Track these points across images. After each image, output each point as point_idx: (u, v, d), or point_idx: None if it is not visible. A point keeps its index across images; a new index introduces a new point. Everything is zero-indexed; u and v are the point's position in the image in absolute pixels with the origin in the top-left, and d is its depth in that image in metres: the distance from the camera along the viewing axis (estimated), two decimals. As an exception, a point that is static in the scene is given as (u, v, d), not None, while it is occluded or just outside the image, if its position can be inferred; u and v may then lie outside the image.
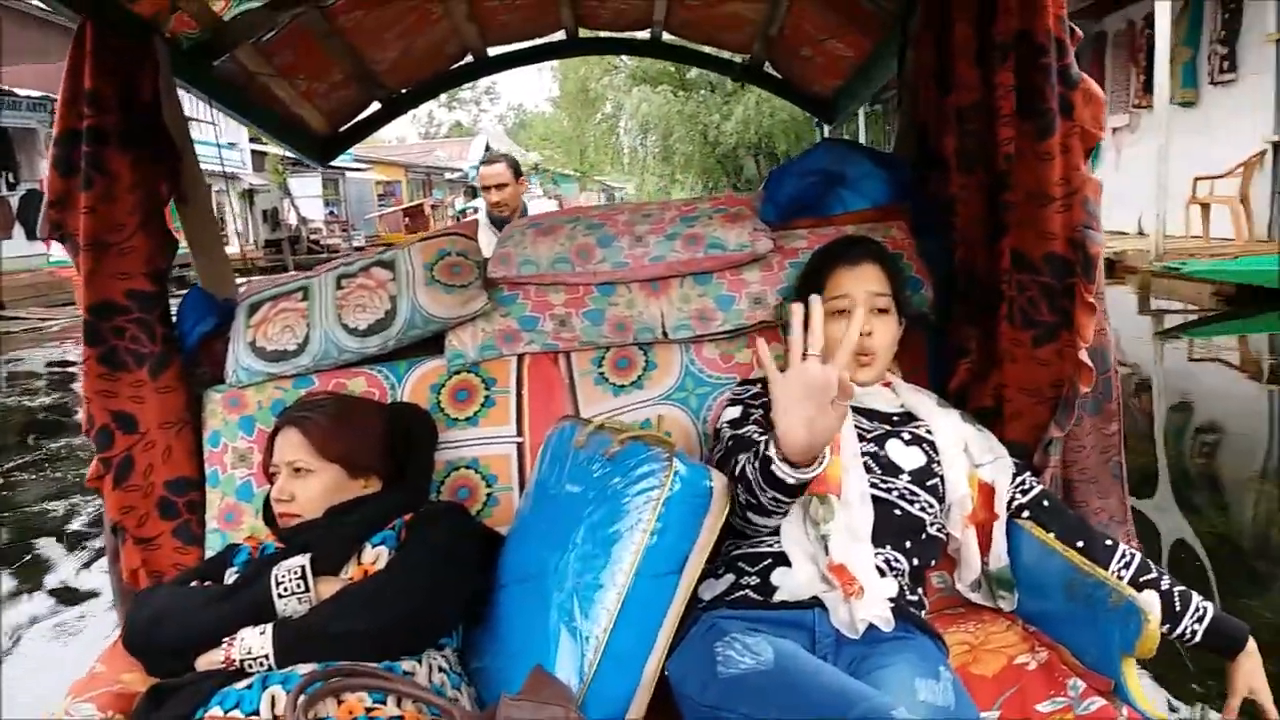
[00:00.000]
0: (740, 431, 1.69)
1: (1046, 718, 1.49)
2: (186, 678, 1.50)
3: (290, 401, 2.00)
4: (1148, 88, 11.64)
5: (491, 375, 2.13)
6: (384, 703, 1.39)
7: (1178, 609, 1.59)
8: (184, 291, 2.31)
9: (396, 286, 2.12)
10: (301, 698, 1.32)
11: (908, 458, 1.71)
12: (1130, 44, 13.31)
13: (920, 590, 1.67)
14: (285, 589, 1.56)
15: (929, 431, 1.77)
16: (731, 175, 28.83)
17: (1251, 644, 1.58)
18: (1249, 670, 1.57)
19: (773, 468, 1.39)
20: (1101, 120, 1.76)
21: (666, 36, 3.89)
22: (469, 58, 3.66)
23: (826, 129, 4.42)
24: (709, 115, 26.66)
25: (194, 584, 1.68)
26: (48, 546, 4.56)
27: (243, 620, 1.53)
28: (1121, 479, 2.00)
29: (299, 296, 2.17)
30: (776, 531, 1.61)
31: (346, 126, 3.66)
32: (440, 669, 1.57)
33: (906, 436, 1.75)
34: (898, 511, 1.66)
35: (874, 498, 1.64)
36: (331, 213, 31.83)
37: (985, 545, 1.78)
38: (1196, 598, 1.61)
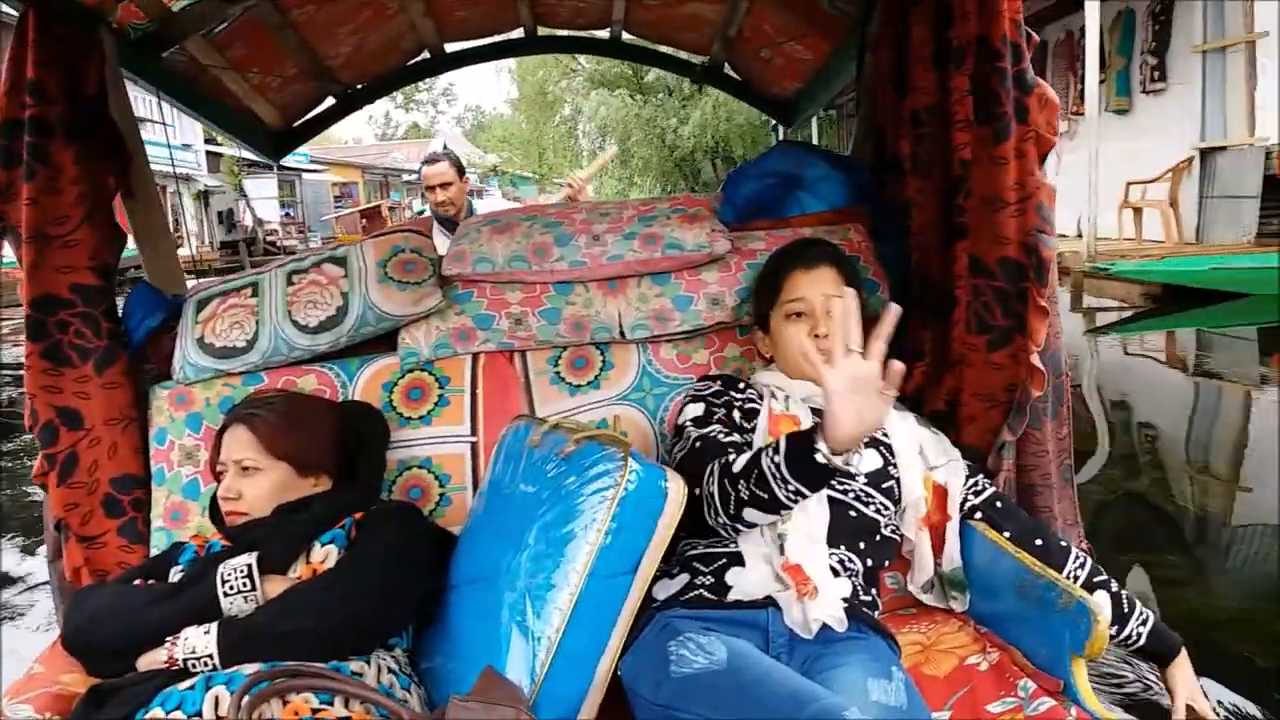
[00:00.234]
0: (706, 431, 1.70)
1: (997, 718, 1.50)
2: (128, 678, 1.47)
3: (239, 399, 1.97)
4: (1084, 96, 12.00)
5: (445, 374, 2.12)
6: (331, 704, 1.37)
7: (1125, 611, 1.63)
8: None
9: (349, 283, 2.10)
10: (246, 698, 1.30)
11: (864, 460, 1.72)
12: (1069, 53, 13.63)
13: (874, 591, 1.69)
14: (231, 587, 1.53)
15: (885, 434, 1.79)
16: (689, 178, 28.89)
17: (1184, 652, 1.64)
18: (1188, 675, 1.63)
19: (816, 455, 1.39)
20: (1056, 125, 1.78)
21: (626, 36, 3.89)
22: (425, 54, 3.64)
23: (782, 132, 4.44)
24: (666, 119, 26.71)
25: (137, 582, 1.66)
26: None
27: (187, 619, 1.50)
28: (1072, 482, 2.03)
29: (249, 293, 2.14)
30: (734, 532, 1.61)
31: (300, 121, 3.63)
32: (389, 670, 1.55)
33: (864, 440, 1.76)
34: (853, 513, 1.67)
35: (830, 499, 1.65)
36: (287, 214, 31.54)
37: (938, 546, 1.80)
38: (1140, 604, 1.65)
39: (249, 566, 1.55)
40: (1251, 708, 2.45)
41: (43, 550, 2.18)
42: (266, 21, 2.77)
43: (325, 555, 1.63)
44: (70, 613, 1.63)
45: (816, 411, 1.76)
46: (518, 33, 3.76)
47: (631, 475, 1.47)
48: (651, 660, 1.45)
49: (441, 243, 2.38)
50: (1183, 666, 1.63)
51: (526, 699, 1.38)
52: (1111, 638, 1.53)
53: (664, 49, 4.17)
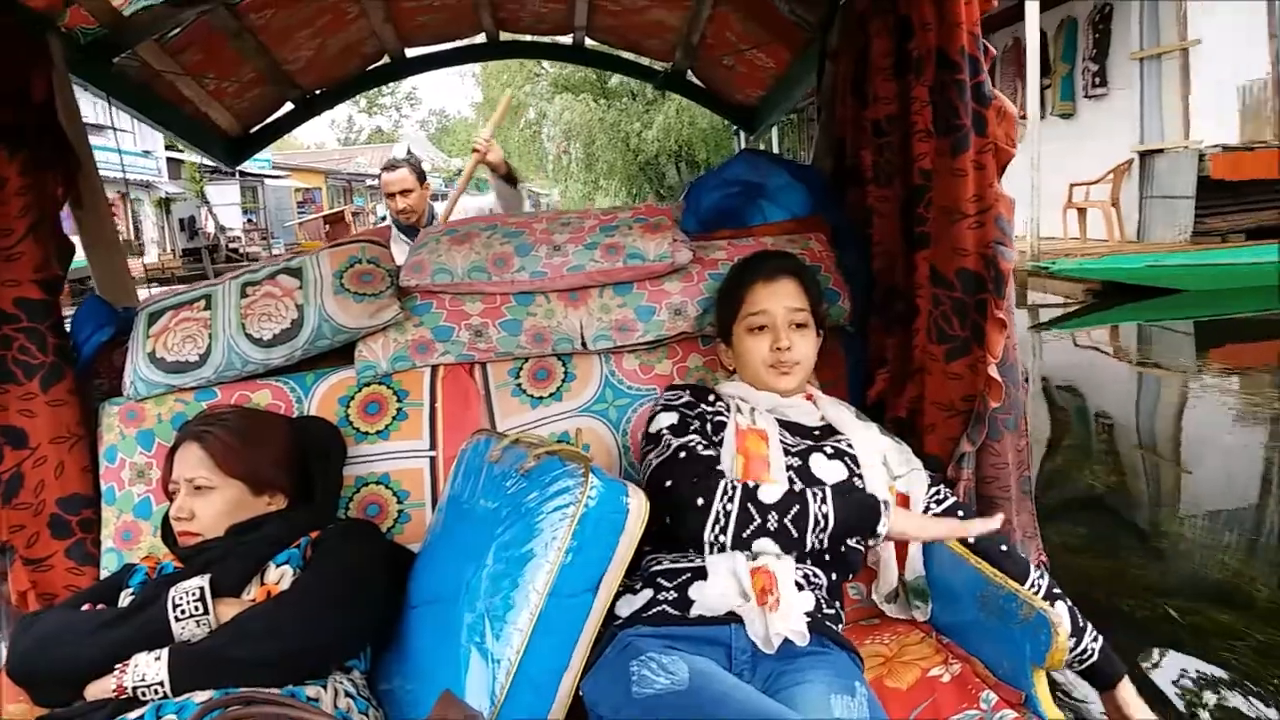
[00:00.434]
0: (687, 440, 1.69)
1: (959, 730, 1.50)
2: (75, 708, 1.44)
3: (192, 415, 1.93)
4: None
5: (404, 387, 2.09)
6: (286, 731, 1.34)
7: (1080, 626, 1.64)
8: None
9: (304, 295, 2.07)
10: (198, 728, 1.26)
11: (830, 471, 1.73)
12: (1017, 60, 13.92)
13: (838, 604, 1.68)
14: (183, 611, 1.50)
15: (850, 445, 1.79)
16: (654, 182, 28.91)
17: (1127, 676, 1.66)
18: (1135, 694, 1.64)
19: (879, 526, 1.57)
20: (1014, 137, 1.79)
21: (589, 42, 3.88)
22: (386, 59, 3.61)
23: (744, 138, 4.45)
24: (630, 124, 26.73)
25: (85, 607, 1.62)
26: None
27: (137, 645, 1.47)
28: (1030, 494, 2.04)
29: (201, 305, 2.11)
30: (699, 547, 1.60)
31: (258, 127, 3.59)
32: (347, 693, 1.53)
33: (829, 450, 1.76)
34: None
35: None
36: (250, 220, 31.28)
37: (902, 556, 1.81)
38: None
39: (201, 589, 1.52)
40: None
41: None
42: (222, 26, 2.74)
43: (280, 576, 1.60)
44: (15, 640, 1.59)
45: (782, 423, 1.79)
46: (480, 38, 3.74)
47: (592, 491, 1.45)
48: (613, 681, 1.44)
49: (401, 252, 2.36)
50: (1129, 689, 1.64)
51: (485, 722, 1.36)
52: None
53: (627, 55, 4.17)
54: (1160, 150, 12.16)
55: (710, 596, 1.56)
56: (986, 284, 1.80)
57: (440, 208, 4.22)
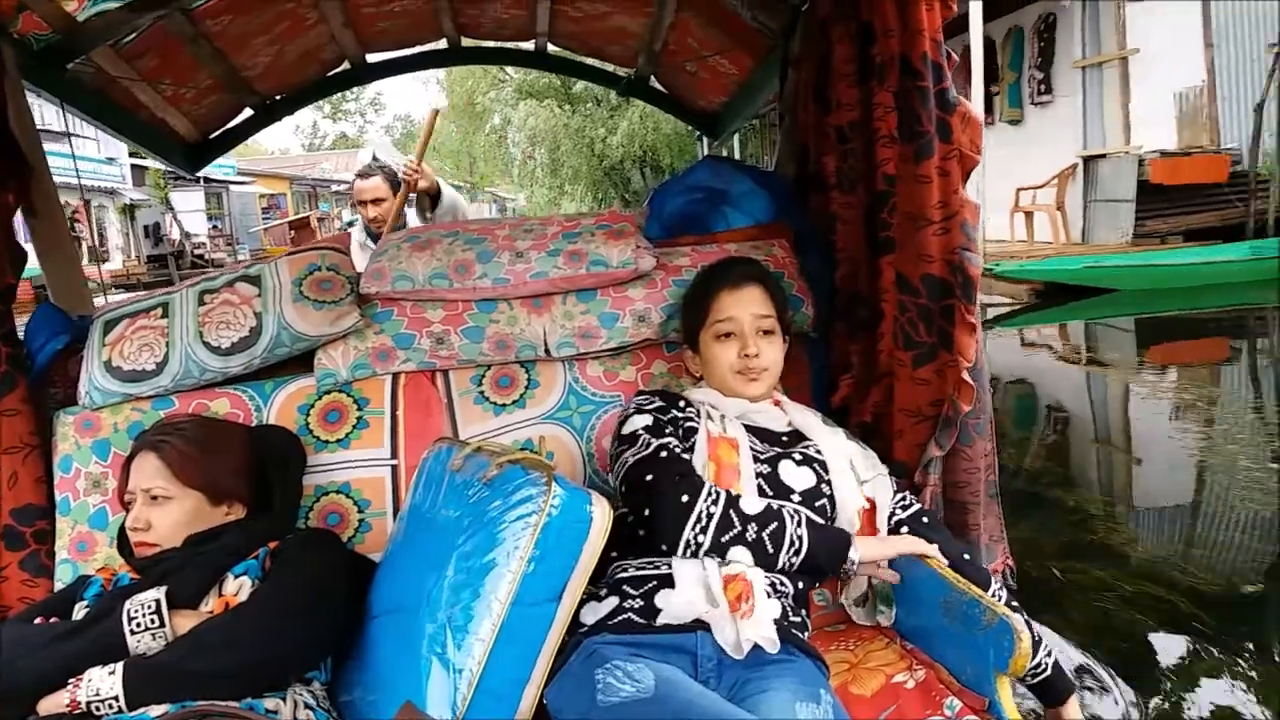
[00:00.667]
0: (666, 441, 1.67)
1: (924, 737, 1.49)
2: (28, 724, 1.38)
3: (149, 424, 1.89)
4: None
5: (364, 395, 2.05)
6: (244, 745, 1.30)
7: (1036, 639, 1.62)
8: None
9: (262, 303, 2.02)
10: (153, 743, 1.22)
11: (799, 478, 1.71)
12: (965, 68, 14.13)
13: (804, 611, 1.67)
14: (138, 624, 1.45)
15: (818, 451, 1.78)
16: (619, 187, 28.91)
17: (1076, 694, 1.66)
18: (1079, 712, 1.65)
19: (851, 554, 1.59)
20: (979, 143, 1.78)
21: (551, 48, 3.85)
22: (346, 65, 3.55)
23: (708, 143, 4.43)
24: (595, 129, 26.67)
25: (38, 620, 1.57)
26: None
27: (91, 659, 1.42)
28: (996, 497, 2.03)
29: (158, 313, 2.05)
30: (675, 545, 1.57)
31: (217, 133, 3.51)
32: (306, 705, 1.49)
33: (798, 457, 1.75)
34: None
35: None
36: (215, 227, 31.03)
37: None
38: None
39: (157, 602, 1.47)
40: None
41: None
42: (179, 32, 2.67)
43: (238, 587, 1.56)
44: (-36, 655, 1.53)
45: (750, 429, 1.77)
46: (441, 44, 3.69)
47: (555, 500, 1.41)
48: (578, 689, 1.41)
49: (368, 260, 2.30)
50: (1075, 706, 1.64)
51: (447, 735, 1.33)
52: None
53: (590, 61, 4.13)
54: (1103, 155, 12.56)
55: (677, 604, 1.54)
56: (954, 289, 1.79)
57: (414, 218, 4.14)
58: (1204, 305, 9.37)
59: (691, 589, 1.54)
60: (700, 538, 1.55)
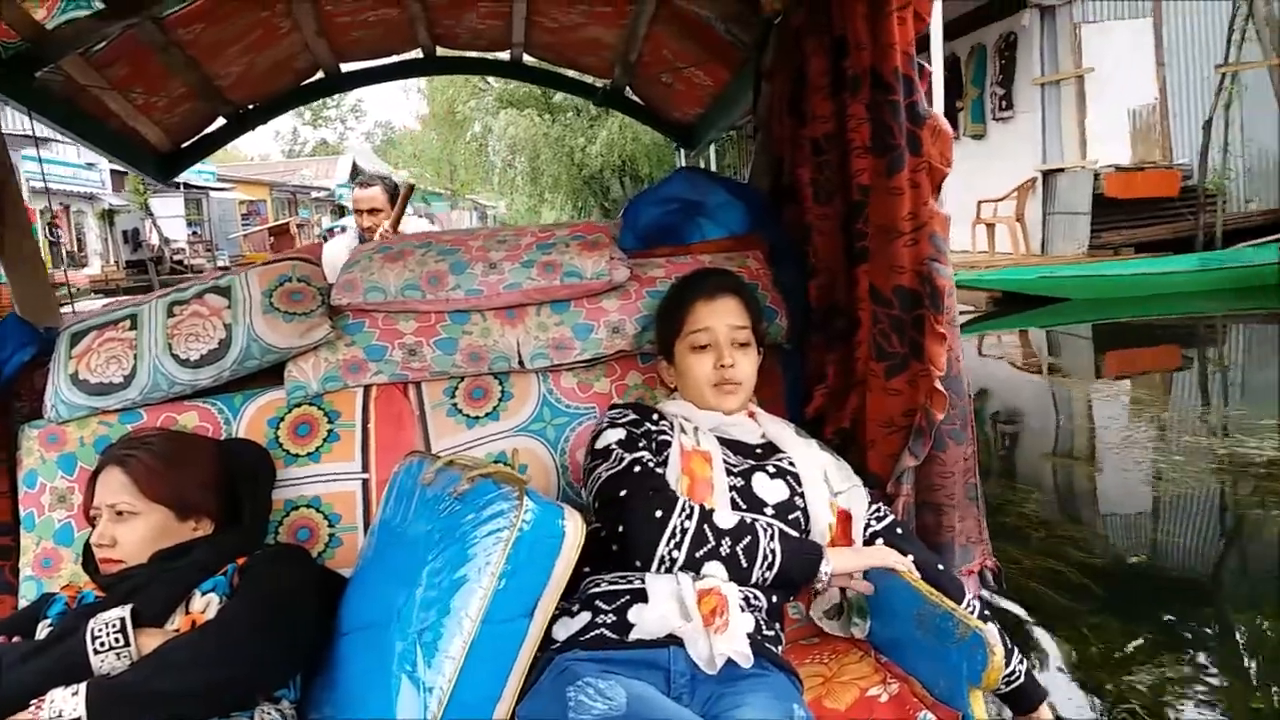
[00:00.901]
0: (639, 456, 1.63)
1: (898, 751, 1.46)
2: (-11, 747, 1.33)
3: (116, 437, 1.83)
4: (949, 124, 13.03)
5: (335, 408, 1.99)
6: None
7: (1009, 648, 1.62)
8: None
9: (232, 314, 1.95)
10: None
11: (772, 491, 1.68)
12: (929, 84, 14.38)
13: (778, 625, 1.63)
14: (102, 644, 1.40)
15: (791, 463, 1.74)
16: (598, 195, 28.95)
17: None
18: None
19: (822, 568, 1.56)
20: (949, 156, 1.76)
21: (527, 58, 3.80)
22: (321, 74, 3.48)
23: (685, 153, 4.39)
24: (575, 138, 26.67)
25: (0, 639, 1.51)
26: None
27: (54, 679, 1.35)
28: (976, 500, 2.00)
29: (126, 325, 1.98)
30: (649, 561, 1.53)
31: (190, 142, 3.43)
32: (274, 724, 1.43)
33: (771, 470, 1.72)
34: None
35: None
36: (195, 232, 30.70)
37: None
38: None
39: (121, 620, 1.42)
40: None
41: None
42: (150, 41, 2.61)
43: (206, 605, 1.51)
44: (-78, 676, 1.46)
45: (724, 441, 1.73)
46: (416, 53, 3.64)
47: (527, 514, 1.37)
48: (549, 707, 1.37)
49: None
50: (1047, 710, 1.63)
51: (416, 754, 1.28)
52: None
53: (567, 72, 4.08)
54: (1061, 170, 12.94)
55: (650, 620, 1.49)
56: (923, 300, 1.76)
57: (407, 226, 4.10)
58: (1152, 313, 9.76)
59: (665, 604, 1.50)
60: (675, 553, 1.51)
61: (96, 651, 1.38)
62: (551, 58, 3.87)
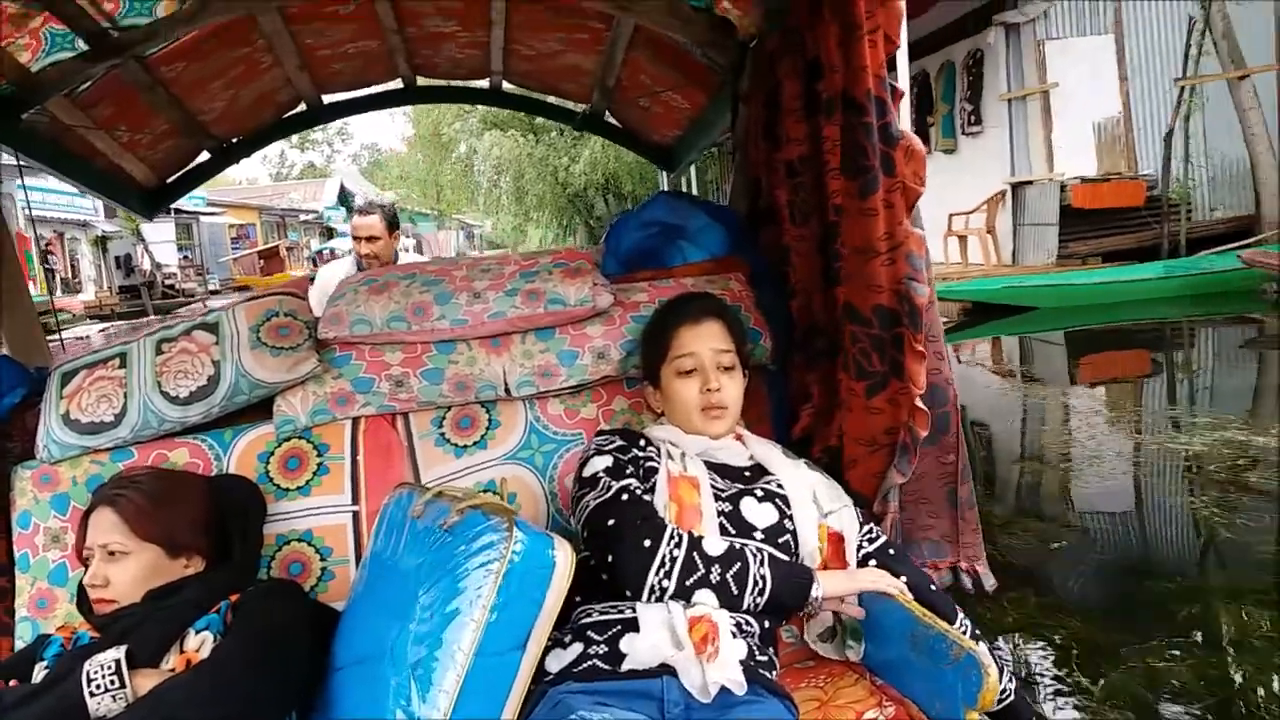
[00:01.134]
0: (627, 484, 1.61)
1: (894, 774, 1.43)
2: (-15, 796, 1.30)
3: (108, 476, 1.79)
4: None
5: (324, 441, 1.96)
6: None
7: (1000, 667, 1.57)
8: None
9: (220, 350, 1.92)
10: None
11: (761, 515, 1.65)
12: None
13: (771, 650, 1.59)
14: (98, 686, 1.37)
15: (780, 485, 1.72)
16: (583, 214, 28.94)
17: None
18: None
19: (813, 589, 1.54)
20: (923, 175, 1.75)
21: (507, 86, 3.78)
22: (303, 105, 3.46)
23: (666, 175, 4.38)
24: (559, 158, 26.63)
25: None
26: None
27: None
28: (957, 503, 1.99)
29: (116, 364, 1.95)
30: (639, 591, 1.51)
31: (175, 177, 3.40)
32: (271, 762, 1.40)
33: (759, 493, 1.69)
34: None
35: None
36: (186, 257, 30.59)
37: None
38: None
39: (116, 662, 1.39)
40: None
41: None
42: (133, 80, 2.59)
43: (200, 643, 1.48)
44: (-82, 722, 1.44)
45: (711, 465, 1.71)
46: (397, 83, 3.62)
47: (517, 545, 1.34)
48: (544, 740, 1.34)
49: None
50: None
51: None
52: None
53: (547, 98, 4.06)
54: (1029, 182, 13.06)
55: (641, 649, 1.46)
56: (902, 319, 1.74)
57: (407, 258, 4.10)
58: (1117, 319, 9.95)
59: (656, 632, 1.47)
60: (664, 582, 1.48)
61: (92, 694, 1.35)
62: (531, 84, 3.86)
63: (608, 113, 3.87)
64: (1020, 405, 7.10)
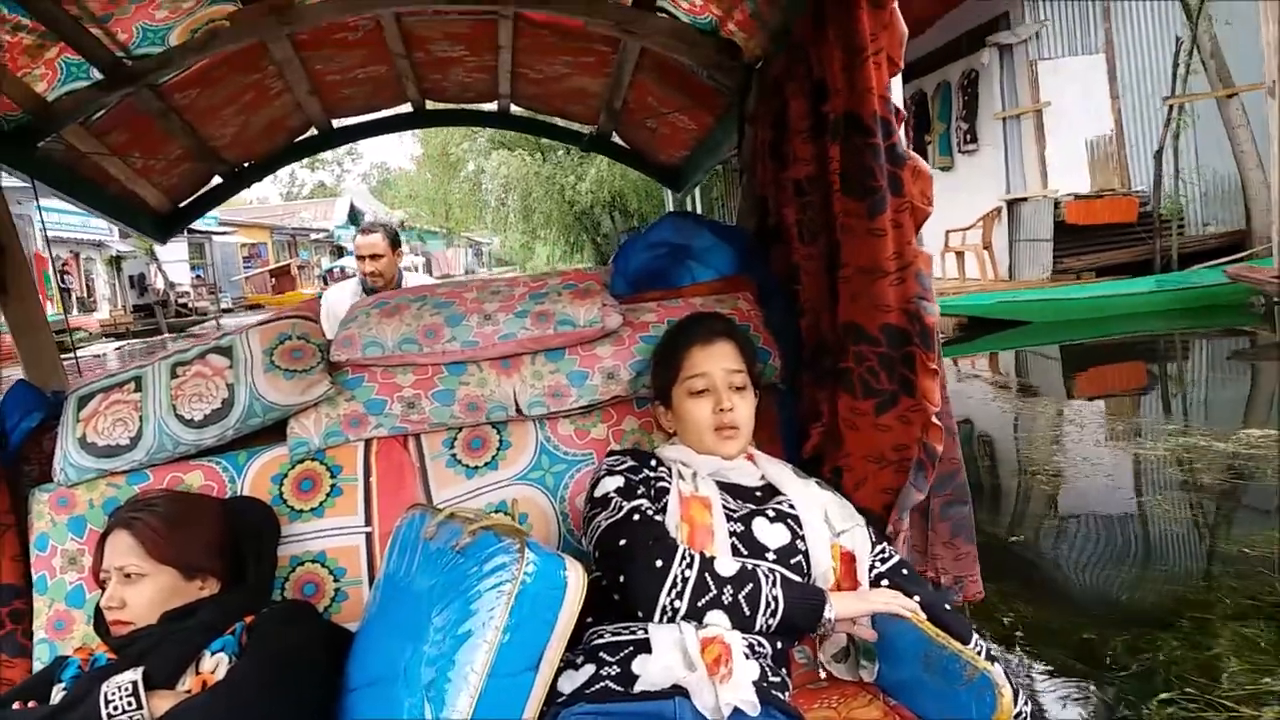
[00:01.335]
0: (638, 504, 1.58)
1: (908, 795, 1.40)
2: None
3: (124, 499, 1.79)
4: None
5: (337, 463, 1.94)
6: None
7: (1015, 688, 1.54)
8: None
9: (234, 374, 1.91)
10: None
11: (773, 536, 1.62)
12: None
13: (784, 671, 1.57)
14: (116, 708, 1.36)
15: (791, 506, 1.69)
16: (590, 231, 28.98)
17: None
18: None
19: (826, 612, 1.50)
20: (930, 195, 1.73)
21: (515, 108, 3.78)
22: (313, 130, 3.46)
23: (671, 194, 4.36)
24: (565, 176, 26.68)
25: (15, 705, 1.47)
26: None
27: None
28: (928, 515, 1.96)
29: (131, 387, 1.94)
30: (651, 611, 1.48)
31: (187, 202, 3.39)
32: (285, 783, 1.38)
33: (771, 514, 1.66)
34: None
35: None
36: (198, 276, 30.69)
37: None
38: None
39: (134, 684, 1.38)
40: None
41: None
42: (147, 107, 2.58)
43: (216, 664, 1.47)
44: (-60, 743, 1.44)
45: (723, 485, 1.68)
46: (406, 107, 3.61)
47: (529, 566, 1.32)
48: (557, 763, 1.31)
49: None
50: None
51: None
52: None
53: (554, 120, 4.06)
54: (1024, 199, 13.09)
55: (654, 670, 1.44)
56: (912, 338, 1.73)
57: (414, 282, 4.09)
58: (1107, 333, 10.07)
59: (669, 654, 1.44)
60: (676, 603, 1.46)
61: (111, 716, 1.35)
62: (538, 107, 3.86)
63: (615, 134, 3.85)
64: (994, 412, 7.28)
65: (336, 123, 3.48)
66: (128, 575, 1.55)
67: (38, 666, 1.76)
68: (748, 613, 1.46)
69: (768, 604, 1.47)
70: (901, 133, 1.73)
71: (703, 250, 2.27)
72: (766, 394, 2.00)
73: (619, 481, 1.64)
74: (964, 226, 13.55)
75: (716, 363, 1.75)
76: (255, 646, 1.48)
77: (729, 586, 1.47)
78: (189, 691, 1.43)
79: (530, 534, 1.42)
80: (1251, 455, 4.98)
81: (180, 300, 25.87)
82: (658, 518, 1.58)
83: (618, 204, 26.78)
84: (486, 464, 1.97)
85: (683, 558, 1.48)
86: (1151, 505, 4.53)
